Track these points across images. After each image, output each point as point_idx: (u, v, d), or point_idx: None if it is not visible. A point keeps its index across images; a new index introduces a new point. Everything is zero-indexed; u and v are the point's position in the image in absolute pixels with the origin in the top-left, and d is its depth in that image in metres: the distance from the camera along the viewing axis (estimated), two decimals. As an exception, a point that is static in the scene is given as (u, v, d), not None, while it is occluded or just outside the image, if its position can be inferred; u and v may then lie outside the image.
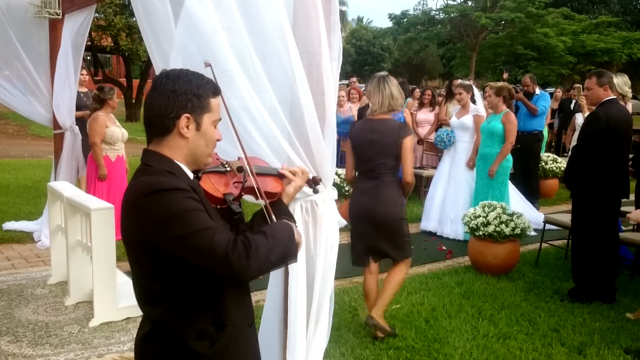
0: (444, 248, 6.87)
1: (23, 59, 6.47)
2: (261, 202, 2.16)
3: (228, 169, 2.17)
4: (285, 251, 1.90)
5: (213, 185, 2.10)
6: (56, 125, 6.64)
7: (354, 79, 13.20)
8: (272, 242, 1.85)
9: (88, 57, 24.00)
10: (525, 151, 8.66)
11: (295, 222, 2.33)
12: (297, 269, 3.09)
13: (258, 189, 2.13)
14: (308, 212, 3.13)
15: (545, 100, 8.91)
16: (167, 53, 2.83)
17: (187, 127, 1.87)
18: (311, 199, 3.07)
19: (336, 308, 4.88)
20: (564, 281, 5.63)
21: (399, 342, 4.33)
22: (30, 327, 4.37)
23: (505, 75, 10.37)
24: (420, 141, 9.73)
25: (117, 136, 6.51)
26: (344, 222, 3.44)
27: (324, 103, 3.00)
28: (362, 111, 9.53)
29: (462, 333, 4.48)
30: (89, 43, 21.11)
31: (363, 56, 46.58)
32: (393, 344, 4.30)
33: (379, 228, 4.31)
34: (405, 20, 34.13)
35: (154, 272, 1.84)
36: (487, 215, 5.73)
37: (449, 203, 7.35)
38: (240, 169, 2.18)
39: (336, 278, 5.69)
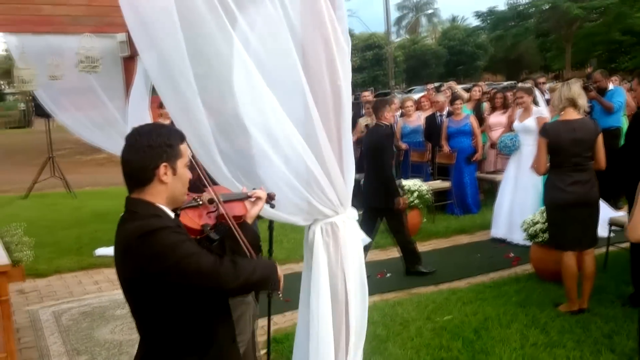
0: (512, 255, 6.80)
1: (100, 93, 7.09)
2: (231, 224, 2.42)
3: (200, 202, 2.45)
4: (266, 275, 2.29)
5: (191, 219, 2.39)
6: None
7: (431, 86, 13.18)
8: (255, 264, 2.25)
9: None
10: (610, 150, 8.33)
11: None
12: (318, 289, 3.22)
13: (227, 215, 2.40)
14: (328, 233, 3.25)
15: (619, 95, 8.54)
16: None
17: (166, 174, 2.14)
18: (331, 220, 3.21)
19: (387, 320, 5.06)
20: (631, 285, 5.44)
21: (444, 353, 4.41)
22: (106, 345, 4.85)
23: (589, 70, 9.97)
24: (493, 145, 9.62)
25: None
26: (367, 240, 3.59)
27: (338, 126, 3.14)
28: (429, 119, 9.58)
29: (510, 343, 4.49)
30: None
31: (456, 56, 45.90)
32: (437, 355, 4.39)
33: (593, 212, 5.08)
34: (492, 17, 33.31)
35: (147, 303, 2.13)
36: (545, 222, 5.65)
37: (517, 209, 7.24)
38: (211, 201, 2.45)
39: (394, 290, 5.86)
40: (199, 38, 2.66)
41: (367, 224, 6.18)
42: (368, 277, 3.38)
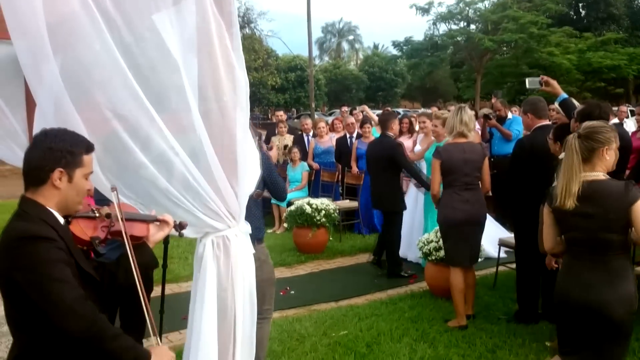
0: (409, 272, 7.02)
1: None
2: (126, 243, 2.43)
3: (97, 214, 2.46)
4: (127, 357, 2.18)
5: (81, 229, 2.39)
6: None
7: (345, 109, 13.48)
8: (122, 339, 2.18)
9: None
10: (502, 175, 8.76)
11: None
12: (205, 303, 3.21)
13: (127, 236, 2.42)
14: (219, 247, 3.26)
15: (518, 124, 9.02)
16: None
17: (60, 179, 2.17)
18: (223, 234, 3.24)
19: (284, 336, 5.12)
20: (517, 303, 5.75)
21: (335, 367, 4.52)
22: (-13, 363, 4.64)
23: (493, 100, 10.48)
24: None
25: None
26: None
27: (232, 141, 3.18)
28: (340, 141, 9.82)
29: (399, 357, 4.65)
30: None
31: (376, 82, 47.10)
32: (329, 369, 4.49)
33: (480, 230, 5.46)
34: (408, 47, 34.54)
35: (18, 305, 2.13)
36: (439, 240, 5.91)
37: (416, 229, 7.51)
38: (109, 215, 2.46)
39: (295, 306, 5.91)
40: (81, 51, 2.69)
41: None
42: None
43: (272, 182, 4.17)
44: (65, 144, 2.20)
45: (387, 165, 6.87)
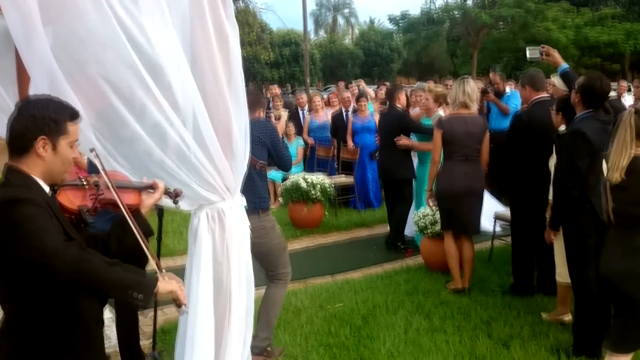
0: (405, 246, 7.03)
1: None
2: (122, 211, 2.39)
3: (85, 183, 2.41)
4: (127, 282, 2.10)
5: (69, 198, 2.35)
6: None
7: (342, 84, 13.33)
8: (116, 267, 2.11)
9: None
10: (499, 150, 8.72)
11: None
12: (200, 275, 3.18)
13: (121, 200, 2.38)
14: (214, 219, 3.23)
15: (515, 99, 8.93)
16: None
17: (44, 148, 2.13)
18: (217, 206, 3.21)
19: (280, 309, 5.11)
20: (512, 276, 5.76)
21: (332, 339, 4.54)
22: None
23: (491, 74, 10.39)
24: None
25: None
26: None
27: (227, 113, 3.15)
28: (335, 116, 9.75)
29: (395, 328, 4.67)
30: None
31: (372, 58, 46.77)
32: (325, 341, 4.50)
33: (479, 201, 5.55)
34: (404, 21, 34.19)
35: (5, 271, 2.11)
36: (434, 214, 5.91)
37: (415, 204, 7.49)
38: (97, 184, 2.42)
39: (291, 280, 5.90)
40: (75, 23, 2.63)
41: (393, 195, 7.19)
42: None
43: (276, 153, 4.14)
44: (49, 112, 2.14)
45: (399, 136, 6.92)
